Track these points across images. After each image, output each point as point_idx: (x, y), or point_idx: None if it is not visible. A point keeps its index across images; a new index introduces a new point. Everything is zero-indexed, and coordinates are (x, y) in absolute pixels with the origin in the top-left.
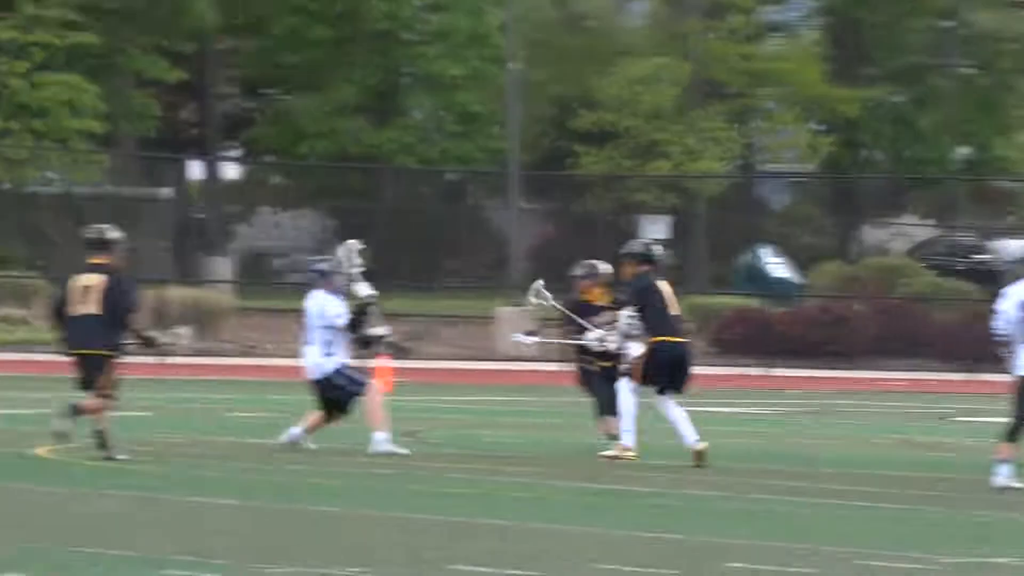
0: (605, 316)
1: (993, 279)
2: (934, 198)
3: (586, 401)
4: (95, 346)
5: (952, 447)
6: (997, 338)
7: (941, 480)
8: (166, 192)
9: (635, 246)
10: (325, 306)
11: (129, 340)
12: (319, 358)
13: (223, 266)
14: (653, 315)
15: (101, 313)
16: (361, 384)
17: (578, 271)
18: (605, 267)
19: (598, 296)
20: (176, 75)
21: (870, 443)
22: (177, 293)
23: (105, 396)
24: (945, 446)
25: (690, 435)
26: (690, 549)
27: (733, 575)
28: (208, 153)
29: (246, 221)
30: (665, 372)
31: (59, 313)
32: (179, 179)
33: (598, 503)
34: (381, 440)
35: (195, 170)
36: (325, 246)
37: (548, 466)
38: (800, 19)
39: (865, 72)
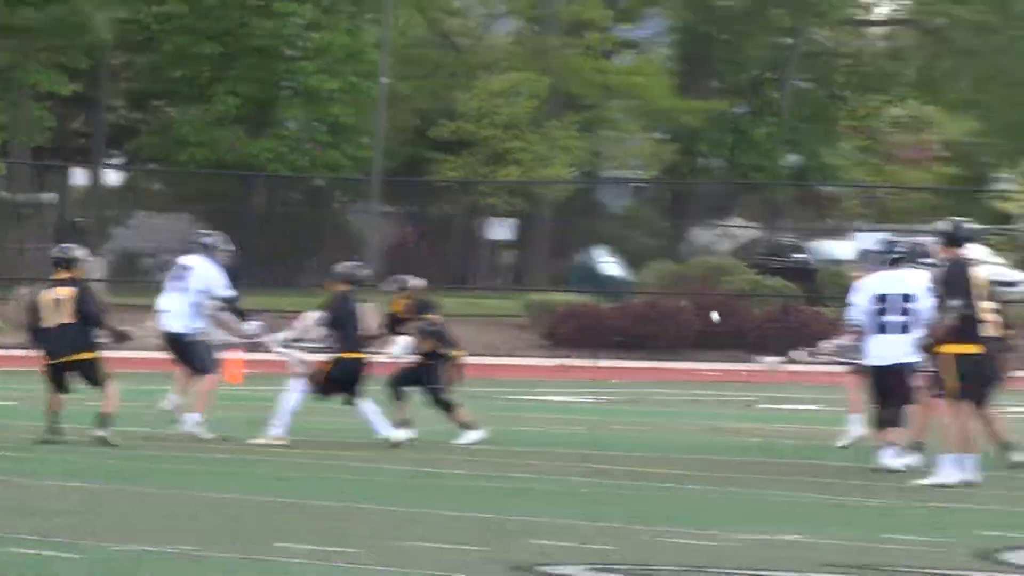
0: (409, 327)
1: (808, 277)
2: (762, 202)
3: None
4: (81, 350)
5: (757, 432)
6: (850, 329)
7: (744, 463)
8: (49, 197)
9: (342, 268)
10: (210, 274)
11: (104, 337)
12: (185, 316)
13: (96, 265)
14: (344, 332)
15: (75, 321)
16: (207, 367)
17: (391, 285)
18: (416, 282)
19: (401, 308)
20: (71, 89)
21: (681, 429)
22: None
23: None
24: (750, 431)
25: (385, 429)
26: (500, 527)
27: (538, 551)
28: (92, 161)
29: (123, 224)
30: (340, 384)
31: (34, 328)
32: (63, 185)
33: (421, 485)
34: (191, 421)
35: (79, 177)
36: (193, 247)
37: (376, 451)
38: (652, 36)
39: (710, 85)
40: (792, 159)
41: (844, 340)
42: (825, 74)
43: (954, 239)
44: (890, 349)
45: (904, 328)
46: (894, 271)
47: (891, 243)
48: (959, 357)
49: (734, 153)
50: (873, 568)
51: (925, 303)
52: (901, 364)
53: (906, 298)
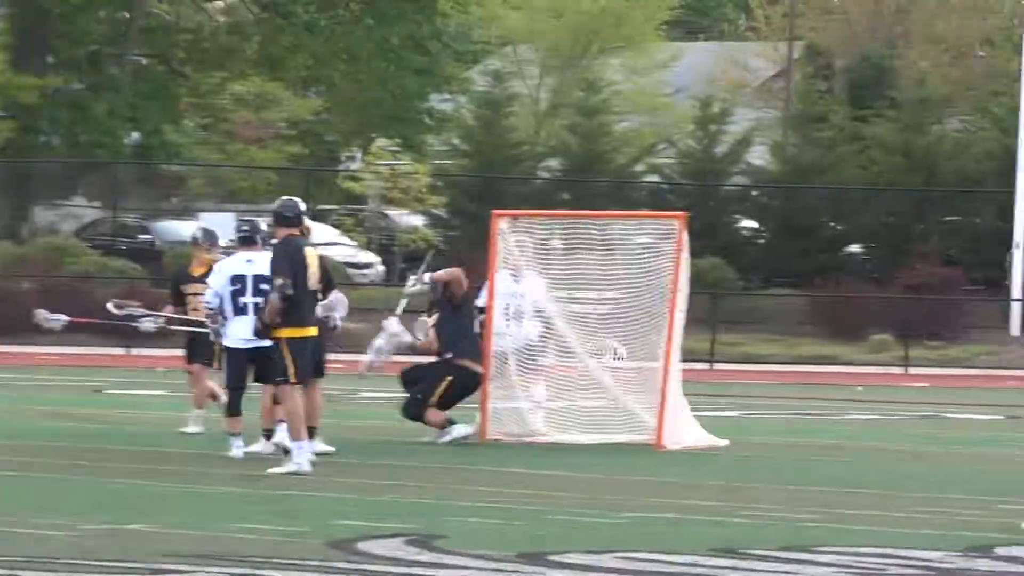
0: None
1: (154, 258)
2: (104, 181)
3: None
4: None
5: (104, 418)
6: (208, 312)
7: (89, 450)
8: None
9: None
10: None
11: None
12: None
13: None
14: None
15: None
16: None
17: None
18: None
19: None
20: None
21: (25, 415)
22: None
23: None
24: (97, 417)
25: None
26: None
27: None
28: None
29: None
30: None
31: None
32: None
33: None
34: None
35: None
36: None
37: None
38: None
39: (45, 60)
40: (135, 137)
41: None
42: (166, 49)
43: (283, 219)
44: (250, 331)
45: (260, 309)
46: (249, 252)
47: (242, 224)
48: (290, 340)
49: (73, 130)
50: (224, 558)
51: None
52: (260, 347)
53: (261, 279)
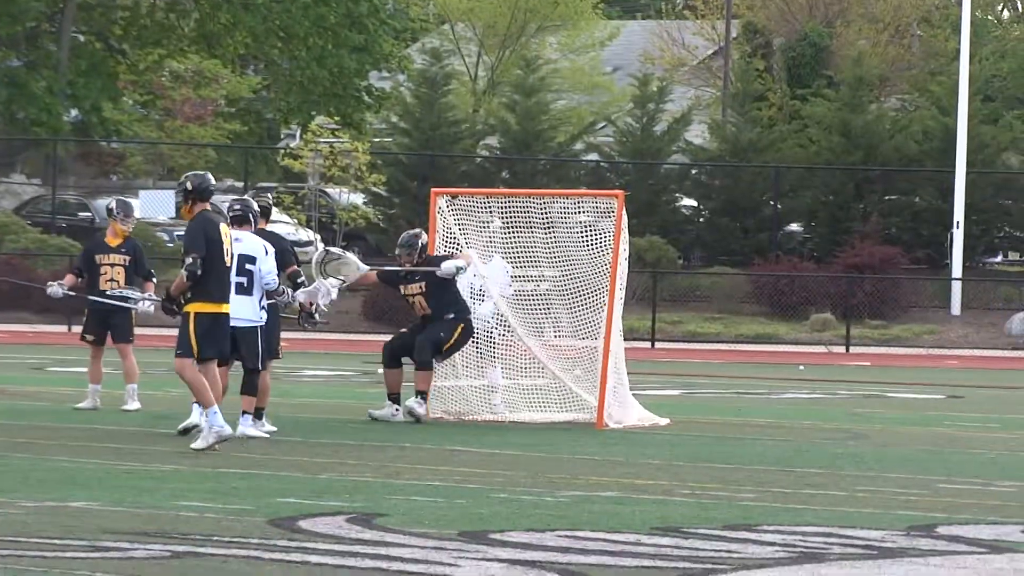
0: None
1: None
2: (44, 158)
3: None
4: None
5: (44, 396)
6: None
7: (29, 428)
8: None
9: None
10: None
11: None
12: None
13: None
14: None
15: None
16: None
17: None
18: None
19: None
20: None
21: None
22: None
23: None
24: (38, 395)
25: None
26: None
27: None
28: None
29: None
30: None
31: None
32: None
33: None
34: None
35: None
36: None
37: None
38: None
39: None
40: (74, 114)
41: None
42: (103, 26)
43: (199, 193)
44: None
45: (243, 289)
46: (239, 231)
47: (234, 203)
48: (197, 316)
49: (11, 107)
50: (165, 536)
51: (267, 265)
52: (237, 326)
53: (246, 259)
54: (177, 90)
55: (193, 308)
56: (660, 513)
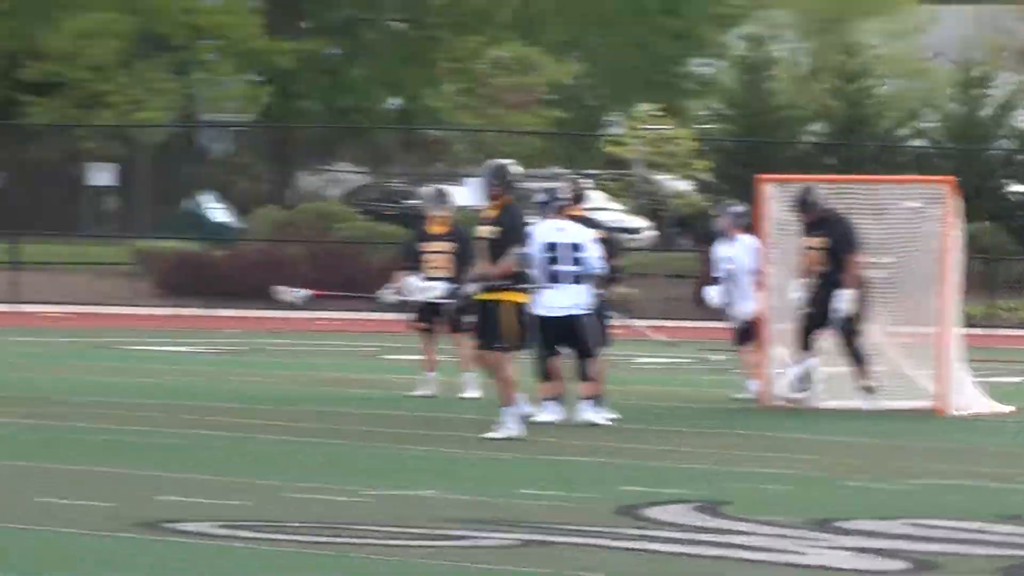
0: None
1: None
2: (366, 146)
3: None
4: None
5: (383, 384)
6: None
7: (372, 416)
8: None
9: None
10: None
11: None
12: None
13: None
14: None
15: None
16: None
17: None
18: None
19: None
20: None
21: (304, 381)
22: None
23: None
24: (375, 383)
25: None
26: (126, 483)
27: (166, 507)
28: None
29: None
30: None
31: None
32: None
33: (51, 440)
34: None
35: None
36: None
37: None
38: None
39: (300, 25)
40: (393, 102)
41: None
42: (421, 14)
43: (509, 181)
44: (563, 299)
45: (576, 279)
46: (559, 220)
47: (552, 191)
48: (518, 306)
49: (330, 96)
50: (513, 524)
51: (593, 252)
52: (574, 315)
53: (576, 247)
54: (498, 77)
55: (511, 297)
56: (1004, 501)
